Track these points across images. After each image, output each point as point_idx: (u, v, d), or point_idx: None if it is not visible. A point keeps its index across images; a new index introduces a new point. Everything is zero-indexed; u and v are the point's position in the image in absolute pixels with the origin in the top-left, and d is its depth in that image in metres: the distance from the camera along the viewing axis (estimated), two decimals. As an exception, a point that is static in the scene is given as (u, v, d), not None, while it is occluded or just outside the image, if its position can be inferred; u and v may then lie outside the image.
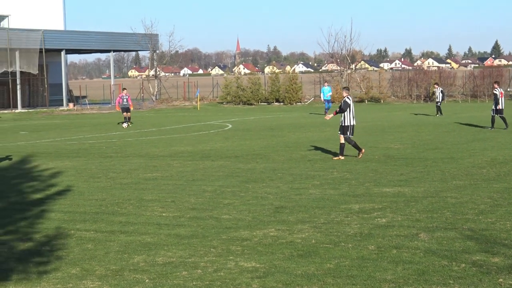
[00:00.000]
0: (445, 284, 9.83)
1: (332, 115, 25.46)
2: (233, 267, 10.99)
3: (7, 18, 76.73)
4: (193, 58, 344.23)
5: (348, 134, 24.42)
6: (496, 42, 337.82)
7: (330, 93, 55.79)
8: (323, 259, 11.25)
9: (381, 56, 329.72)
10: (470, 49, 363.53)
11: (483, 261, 10.91)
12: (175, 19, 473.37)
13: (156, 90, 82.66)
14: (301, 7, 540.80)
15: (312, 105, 72.25)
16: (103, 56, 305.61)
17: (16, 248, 12.64)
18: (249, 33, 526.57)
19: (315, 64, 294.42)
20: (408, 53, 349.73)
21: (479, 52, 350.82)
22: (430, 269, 10.54)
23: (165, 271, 10.85)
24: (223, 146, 29.60)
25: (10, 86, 69.92)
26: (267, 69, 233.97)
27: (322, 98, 56.77)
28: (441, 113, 48.29)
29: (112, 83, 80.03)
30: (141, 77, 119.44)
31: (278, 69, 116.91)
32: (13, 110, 68.35)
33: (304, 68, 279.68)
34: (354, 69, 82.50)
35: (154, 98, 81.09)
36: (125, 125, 43.29)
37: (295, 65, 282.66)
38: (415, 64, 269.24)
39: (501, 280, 9.97)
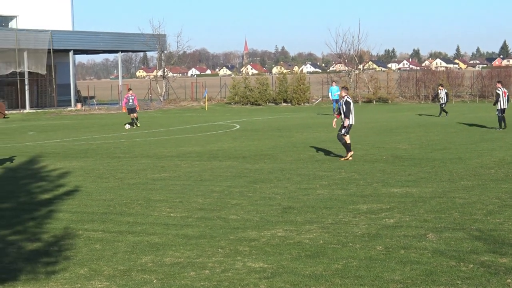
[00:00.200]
0: (453, 285, 9.82)
1: (348, 120, 24.62)
2: (241, 267, 11.00)
3: (15, 18, 76.87)
4: (201, 59, 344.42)
5: (343, 132, 24.30)
6: (504, 42, 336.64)
7: (338, 93, 55.66)
8: (331, 260, 11.24)
9: (389, 57, 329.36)
10: (478, 50, 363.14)
11: (491, 261, 10.89)
12: (183, 20, 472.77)
13: (164, 90, 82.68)
14: (309, 8, 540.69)
15: (320, 106, 72.21)
16: (111, 56, 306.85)
17: (25, 248, 12.67)
18: (257, 34, 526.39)
19: (323, 65, 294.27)
20: (416, 54, 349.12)
21: (487, 53, 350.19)
22: (438, 270, 10.52)
23: (173, 272, 10.86)
24: (231, 147, 29.61)
25: (19, 87, 70.02)
26: (275, 70, 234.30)
27: (330, 98, 56.71)
28: (446, 112, 48.12)
29: (120, 84, 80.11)
30: (149, 78, 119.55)
31: (286, 69, 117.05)
32: (21, 111, 68.46)
33: (312, 69, 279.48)
34: (362, 69, 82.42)
35: (162, 98, 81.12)
36: (127, 126, 42.81)
37: (303, 66, 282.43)
38: (423, 64, 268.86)
39: (509, 281, 9.95)
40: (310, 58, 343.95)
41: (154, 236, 13.27)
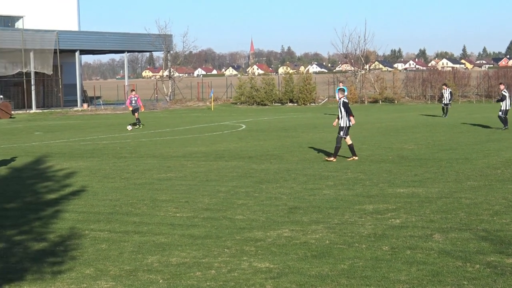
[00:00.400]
0: (459, 285, 9.80)
1: (353, 119, 24.63)
2: (247, 267, 10.99)
3: (21, 19, 77.02)
4: (207, 59, 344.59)
5: (342, 134, 24.22)
6: (511, 42, 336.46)
7: (345, 93, 55.79)
8: (337, 260, 11.23)
9: (395, 57, 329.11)
10: (484, 50, 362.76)
11: (497, 262, 10.87)
12: (189, 20, 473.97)
13: (170, 90, 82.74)
14: (315, 8, 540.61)
15: (326, 106, 72.18)
16: (117, 56, 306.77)
17: (31, 248, 12.68)
18: (263, 34, 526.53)
19: (329, 65, 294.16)
20: (422, 54, 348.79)
21: (493, 53, 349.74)
22: (444, 270, 10.51)
23: (179, 272, 10.86)
24: (237, 147, 29.62)
25: (25, 87, 70.14)
26: (281, 70, 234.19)
27: (337, 98, 56.65)
28: (445, 114, 47.73)
29: (126, 84, 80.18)
30: (155, 78, 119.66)
31: (292, 69, 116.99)
32: (27, 111, 68.58)
33: (318, 69, 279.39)
34: (368, 69, 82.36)
35: (168, 98, 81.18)
36: (129, 127, 42.56)
37: (309, 66, 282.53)
38: (429, 64, 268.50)
39: (515, 281, 9.93)
40: (316, 58, 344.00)
41: (160, 236, 13.28)
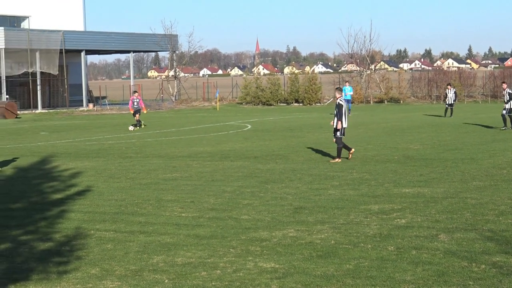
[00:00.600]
0: (465, 285, 9.80)
1: (340, 123, 24.32)
2: (252, 267, 11.00)
3: (27, 19, 77.11)
4: (212, 59, 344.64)
5: (339, 134, 24.14)
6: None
7: (351, 93, 56.01)
8: (342, 260, 11.23)
9: (400, 57, 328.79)
10: (490, 50, 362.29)
11: (503, 262, 10.86)
12: (195, 20, 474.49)
13: (175, 90, 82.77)
14: (321, 8, 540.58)
15: (331, 106, 72.12)
16: (122, 56, 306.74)
17: (36, 248, 12.70)
18: (269, 34, 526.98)
19: (335, 65, 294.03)
20: (427, 54, 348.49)
21: (499, 53, 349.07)
22: (450, 270, 10.50)
23: (184, 272, 10.87)
24: (243, 147, 29.62)
25: (31, 87, 70.20)
26: (286, 70, 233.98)
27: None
28: (445, 114, 47.54)
29: (131, 84, 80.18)
30: (161, 78, 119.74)
31: (298, 69, 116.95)
32: (33, 111, 68.63)
33: (324, 69, 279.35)
34: (373, 69, 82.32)
35: (173, 98, 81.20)
36: (131, 128, 42.41)
37: (315, 66, 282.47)
38: (435, 64, 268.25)
39: (521, 281, 9.92)
40: (321, 58, 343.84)
41: (165, 236, 13.29)
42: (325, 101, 76.60)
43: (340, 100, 24.39)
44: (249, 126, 42.98)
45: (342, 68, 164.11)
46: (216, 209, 15.90)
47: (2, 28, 68.01)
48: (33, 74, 69.42)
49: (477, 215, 14.35)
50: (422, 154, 25.08)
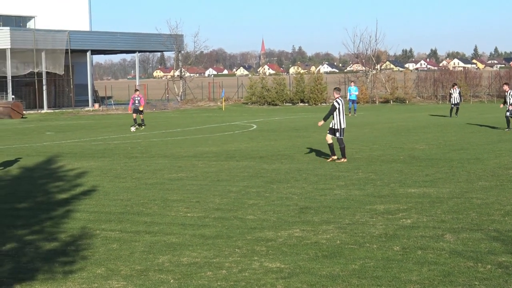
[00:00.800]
0: (471, 286, 9.78)
1: (322, 122, 24.71)
2: (258, 267, 10.99)
3: (33, 19, 77.29)
4: (218, 59, 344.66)
5: (338, 135, 24.09)
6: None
7: (357, 93, 56.06)
8: (348, 260, 11.23)
9: (406, 57, 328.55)
10: (496, 49, 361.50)
11: (509, 262, 10.84)
12: (200, 20, 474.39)
13: (181, 90, 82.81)
14: (326, 8, 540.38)
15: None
16: (128, 56, 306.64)
17: (42, 248, 12.71)
18: (274, 34, 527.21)
19: (340, 65, 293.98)
20: (433, 54, 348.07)
21: (505, 52, 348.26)
22: (456, 270, 10.49)
23: (190, 272, 10.87)
24: (248, 147, 29.62)
25: (36, 87, 70.31)
26: (292, 70, 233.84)
27: (348, 98, 56.67)
28: (450, 115, 47.42)
29: (137, 84, 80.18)
30: (166, 78, 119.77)
31: (303, 69, 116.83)
32: (39, 111, 68.75)
33: (329, 69, 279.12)
34: (379, 69, 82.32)
35: (179, 98, 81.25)
36: (133, 128, 41.91)
37: (320, 66, 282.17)
38: (441, 64, 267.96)
39: (527, 281, 9.91)
40: (327, 58, 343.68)
41: (171, 236, 13.29)
42: (330, 101, 76.48)
43: (337, 101, 24.21)
44: (255, 126, 42.98)
45: (348, 68, 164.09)
46: (221, 209, 15.90)
47: (8, 28, 68.22)
48: (39, 74, 69.55)
49: (483, 215, 14.33)
50: (428, 154, 25.05)
